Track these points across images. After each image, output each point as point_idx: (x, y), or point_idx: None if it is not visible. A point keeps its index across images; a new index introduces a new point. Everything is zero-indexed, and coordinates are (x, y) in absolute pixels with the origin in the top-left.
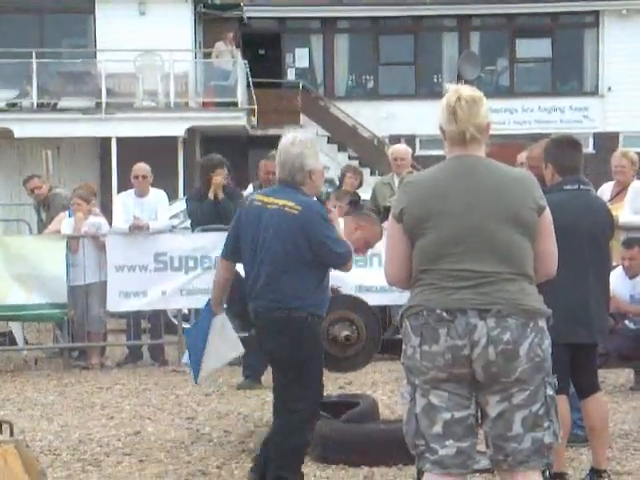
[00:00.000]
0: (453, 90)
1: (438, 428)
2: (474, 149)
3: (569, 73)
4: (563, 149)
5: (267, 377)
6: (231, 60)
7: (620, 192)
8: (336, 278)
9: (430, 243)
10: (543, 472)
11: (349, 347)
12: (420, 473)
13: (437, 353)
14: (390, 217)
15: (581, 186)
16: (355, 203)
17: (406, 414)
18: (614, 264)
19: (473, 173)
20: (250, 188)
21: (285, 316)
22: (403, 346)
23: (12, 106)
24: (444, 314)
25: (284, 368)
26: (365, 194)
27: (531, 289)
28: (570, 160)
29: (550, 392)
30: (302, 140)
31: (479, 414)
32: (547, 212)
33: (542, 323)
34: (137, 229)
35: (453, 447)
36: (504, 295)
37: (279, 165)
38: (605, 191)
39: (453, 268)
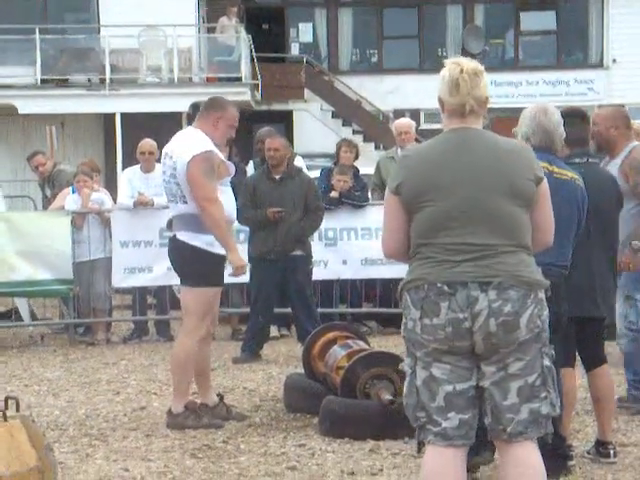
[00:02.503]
0: (454, 62)
1: (440, 400)
2: (472, 122)
3: (574, 46)
4: (572, 121)
5: (267, 351)
6: (235, 35)
7: None
8: (343, 252)
9: (428, 216)
10: (544, 441)
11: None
12: (421, 445)
13: (438, 326)
14: (387, 190)
15: (589, 159)
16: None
17: (406, 387)
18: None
19: (471, 146)
20: (251, 164)
21: None
22: (403, 319)
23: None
24: (445, 287)
25: None
26: (369, 168)
27: (530, 260)
28: (579, 133)
29: (547, 363)
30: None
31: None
32: (545, 183)
33: (541, 294)
34: (142, 205)
35: (455, 419)
36: (504, 267)
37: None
38: None
39: (452, 242)
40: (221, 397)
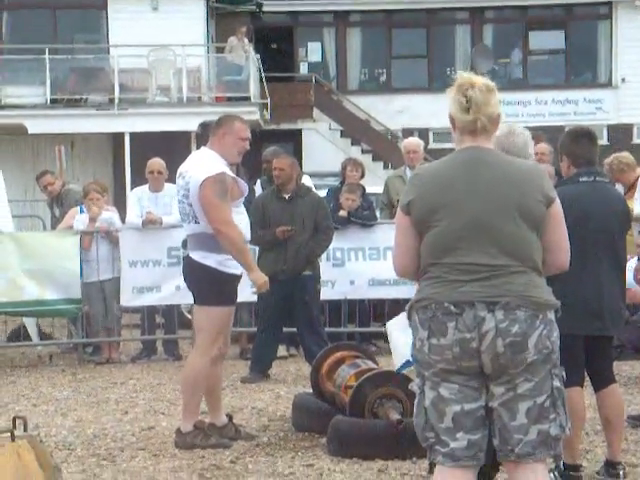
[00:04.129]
0: (466, 78)
1: (448, 421)
2: (483, 140)
3: (583, 65)
4: (579, 141)
5: (275, 370)
6: (244, 54)
7: (634, 184)
8: (351, 272)
9: (438, 236)
10: (556, 466)
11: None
12: (432, 465)
13: (445, 346)
14: (398, 209)
15: (597, 178)
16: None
17: (416, 407)
18: (628, 256)
19: (481, 166)
20: (258, 184)
21: None
22: (412, 339)
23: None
24: (452, 307)
25: None
26: (378, 187)
27: (540, 281)
28: (586, 152)
29: (557, 384)
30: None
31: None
32: (557, 204)
33: (551, 315)
34: (150, 224)
35: (464, 439)
36: (512, 287)
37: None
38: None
39: (461, 262)
40: (230, 417)
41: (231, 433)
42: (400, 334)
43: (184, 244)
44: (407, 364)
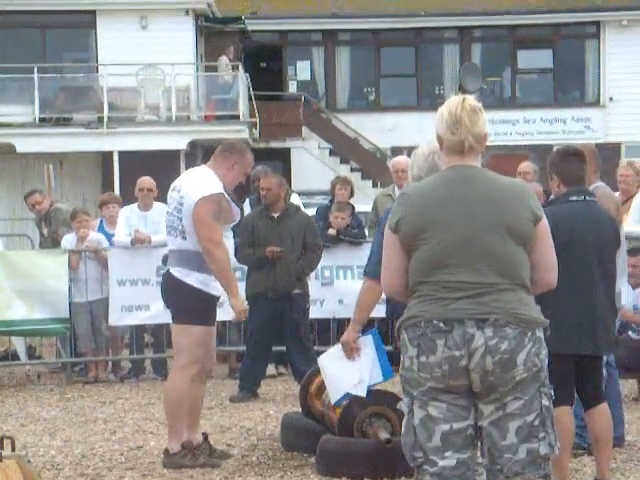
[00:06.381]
0: (454, 99)
1: (436, 440)
2: (471, 159)
3: (571, 84)
4: (568, 160)
5: (264, 389)
6: (233, 73)
7: (625, 202)
8: (339, 291)
9: (426, 255)
10: None
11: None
12: None
13: (434, 364)
14: (386, 228)
15: (587, 197)
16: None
17: (404, 426)
18: None
19: (469, 184)
20: (247, 203)
21: None
22: (401, 357)
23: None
24: (441, 325)
25: None
26: (367, 206)
27: (528, 299)
28: (576, 171)
29: (546, 402)
30: None
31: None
32: (544, 221)
33: (539, 333)
34: (139, 243)
35: (453, 458)
36: (501, 305)
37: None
38: None
39: (449, 280)
40: (205, 436)
41: (205, 453)
42: (335, 367)
43: (164, 260)
44: (346, 396)
